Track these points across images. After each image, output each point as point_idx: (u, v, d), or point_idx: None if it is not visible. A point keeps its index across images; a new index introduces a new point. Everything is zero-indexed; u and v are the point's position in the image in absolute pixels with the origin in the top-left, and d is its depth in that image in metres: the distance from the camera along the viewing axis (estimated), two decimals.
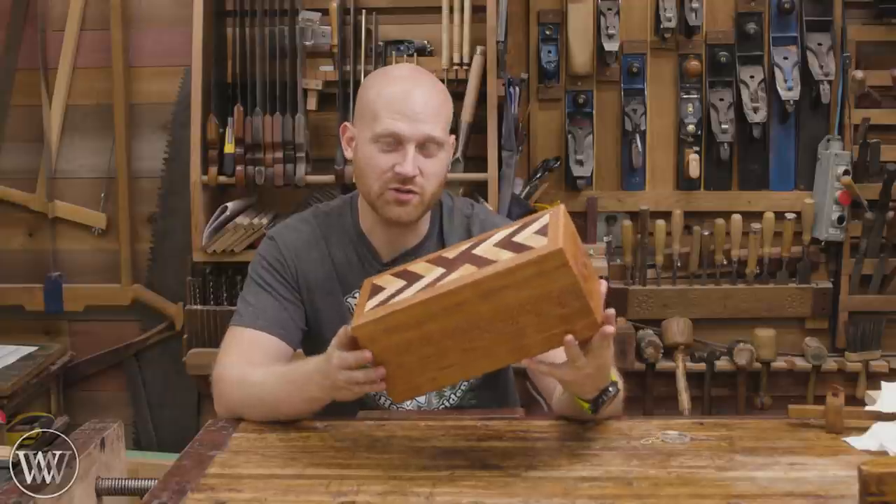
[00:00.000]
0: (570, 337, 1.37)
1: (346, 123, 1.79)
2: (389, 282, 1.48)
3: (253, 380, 1.65)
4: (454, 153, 1.81)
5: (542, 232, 1.38)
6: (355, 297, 1.76)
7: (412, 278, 1.45)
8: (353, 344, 1.45)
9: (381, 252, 1.79)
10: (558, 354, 1.42)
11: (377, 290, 1.48)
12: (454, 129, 1.83)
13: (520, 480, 1.41)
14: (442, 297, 1.37)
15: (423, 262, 1.49)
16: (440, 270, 1.43)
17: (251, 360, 1.68)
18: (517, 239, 1.40)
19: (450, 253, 1.48)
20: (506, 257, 1.37)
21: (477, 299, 1.36)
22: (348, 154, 1.77)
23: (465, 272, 1.38)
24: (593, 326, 1.38)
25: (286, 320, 1.74)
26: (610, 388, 1.52)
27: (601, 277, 2.98)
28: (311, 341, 1.80)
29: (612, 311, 1.41)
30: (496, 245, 1.42)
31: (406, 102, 1.66)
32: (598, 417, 1.59)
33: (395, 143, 1.66)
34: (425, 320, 1.39)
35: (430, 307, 1.38)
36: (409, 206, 1.69)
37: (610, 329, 1.40)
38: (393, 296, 1.43)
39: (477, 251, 1.43)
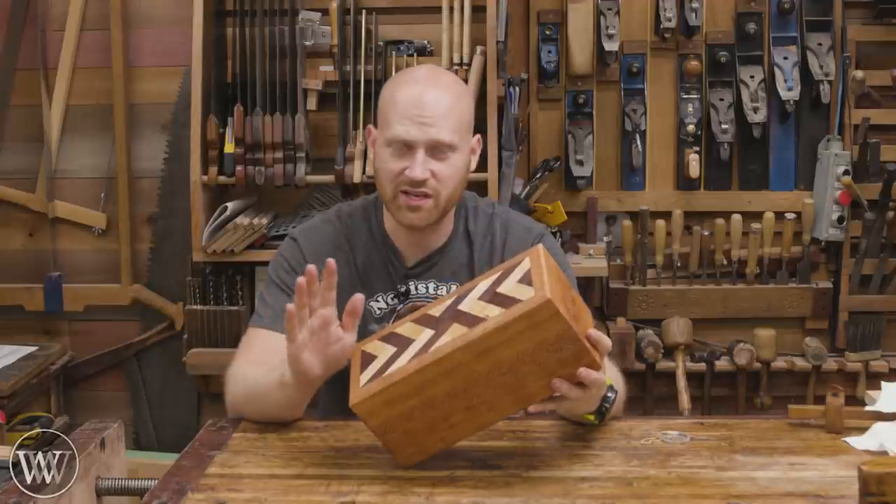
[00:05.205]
0: (556, 382, 1.37)
1: (370, 126, 1.80)
2: (379, 348, 1.46)
3: (250, 376, 1.66)
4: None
5: (526, 280, 1.37)
6: (377, 301, 1.77)
7: (402, 343, 1.43)
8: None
9: (405, 255, 1.79)
10: None
11: (368, 358, 1.46)
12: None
13: (520, 480, 1.41)
14: (437, 364, 1.36)
15: (410, 323, 1.47)
16: (429, 332, 1.41)
17: (262, 362, 1.67)
18: (502, 290, 1.39)
19: (434, 310, 1.46)
20: (494, 313, 1.35)
21: (472, 359, 1.36)
22: (371, 156, 1.77)
23: (456, 333, 1.37)
24: (592, 364, 1.38)
25: None
26: (609, 395, 1.53)
27: (601, 278, 3.03)
28: None
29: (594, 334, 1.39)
30: (481, 299, 1.40)
31: (414, 107, 1.65)
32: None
33: (405, 147, 1.66)
34: (424, 387, 1.38)
35: (426, 374, 1.37)
36: (421, 211, 1.69)
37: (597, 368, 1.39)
38: (386, 365, 1.41)
39: (463, 307, 1.41)
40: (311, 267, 1.45)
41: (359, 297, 1.49)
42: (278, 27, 2.95)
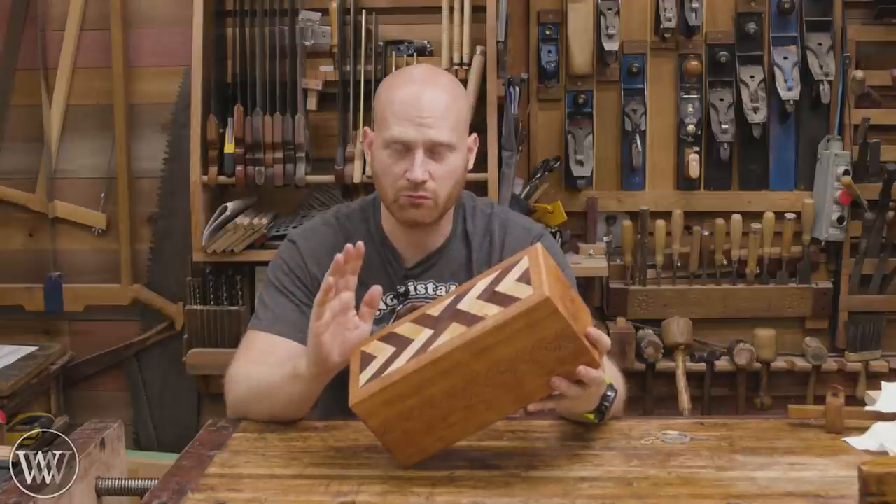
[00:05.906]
0: (556, 380, 1.37)
1: (366, 128, 1.80)
2: (378, 348, 1.46)
3: (254, 374, 1.66)
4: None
5: (525, 279, 1.37)
6: None
7: (401, 343, 1.43)
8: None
9: (405, 256, 1.79)
10: None
11: (368, 358, 1.46)
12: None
13: (519, 480, 1.41)
14: (436, 363, 1.36)
15: (409, 323, 1.47)
16: (428, 332, 1.41)
17: (264, 362, 1.68)
18: (500, 289, 1.39)
19: (433, 310, 1.46)
20: (493, 312, 1.36)
21: (471, 358, 1.36)
22: (369, 158, 1.77)
23: (455, 332, 1.37)
24: (592, 363, 1.38)
25: (304, 325, 1.73)
26: (608, 393, 1.53)
27: (601, 278, 3.03)
28: None
29: (593, 332, 1.39)
30: (480, 298, 1.40)
31: (411, 108, 1.65)
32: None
33: (403, 149, 1.67)
34: (423, 386, 1.38)
35: (425, 374, 1.37)
36: (423, 207, 1.69)
37: (597, 365, 1.39)
38: (385, 365, 1.41)
39: (462, 306, 1.41)
40: (350, 245, 1.48)
41: (377, 289, 1.51)
42: (278, 27, 2.95)
